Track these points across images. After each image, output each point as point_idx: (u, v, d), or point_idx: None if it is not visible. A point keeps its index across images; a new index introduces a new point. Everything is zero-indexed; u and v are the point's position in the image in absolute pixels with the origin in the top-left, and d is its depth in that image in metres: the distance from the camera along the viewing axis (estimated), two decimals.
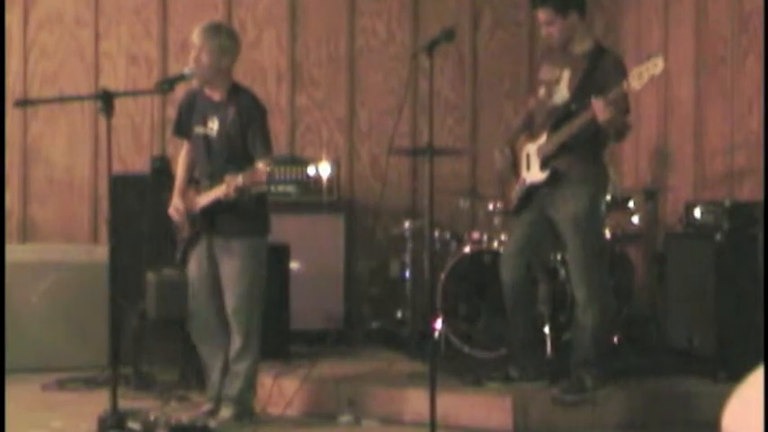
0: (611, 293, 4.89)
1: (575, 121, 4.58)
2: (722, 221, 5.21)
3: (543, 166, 4.75)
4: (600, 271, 4.78)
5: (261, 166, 4.48)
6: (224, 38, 4.78)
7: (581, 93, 4.63)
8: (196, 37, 4.75)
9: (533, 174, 4.82)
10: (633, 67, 4.36)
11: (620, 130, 4.71)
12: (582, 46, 4.77)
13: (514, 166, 4.95)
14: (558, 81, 4.77)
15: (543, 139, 4.76)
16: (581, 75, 4.68)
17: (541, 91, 4.85)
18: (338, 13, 7.20)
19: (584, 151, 4.72)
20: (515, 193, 4.95)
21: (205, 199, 4.75)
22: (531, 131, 4.93)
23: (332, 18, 7.19)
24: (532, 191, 4.85)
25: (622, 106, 4.55)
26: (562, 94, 4.74)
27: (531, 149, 4.84)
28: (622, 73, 4.64)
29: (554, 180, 4.74)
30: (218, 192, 4.62)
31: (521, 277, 4.89)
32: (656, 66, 4.25)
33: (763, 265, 4.99)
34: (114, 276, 4.74)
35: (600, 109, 4.37)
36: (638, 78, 4.28)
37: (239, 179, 4.47)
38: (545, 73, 4.86)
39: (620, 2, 7.43)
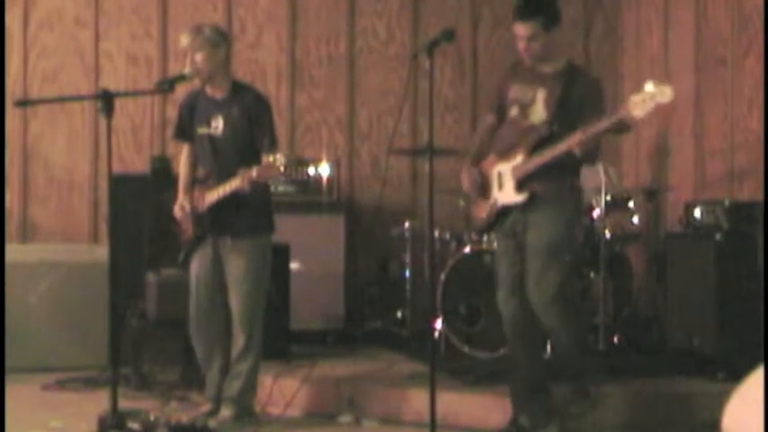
0: (579, 317, 4.65)
1: (558, 146, 4.35)
2: (722, 221, 5.21)
3: (519, 187, 4.50)
4: (567, 298, 4.50)
5: (275, 158, 4.47)
6: (209, 32, 4.80)
7: (561, 113, 4.44)
8: (183, 41, 4.78)
9: (507, 194, 4.56)
10: (633, 94, 4.08)
11: (592, 157, 4.57)
12: (555, 64, 4.55)
13: (483, 188, 4.68)
14: (533, 101, 4.54)
15: (519, 159, 4.50)
16: (558, 94, 4.47)
17: (513, 111, 4.61)
18: (338, 13, 7.20)
19: (561, 173, 4.48)
20: (486, 213, 4.68)
21: (215, 195, 4.74)
22: (499, 150, 4.65)
23: (332, 18, 7.20)
24: (504, 212, 4.61)
25: (621, 128, 4.41)
26: (540, 114, 4.52)
27: (504, 169, 4.56)
28: (599, 93, 4.49)
29: (530, 202, 4.50)
30: (231, 185, 4.62)
31: (518, 315, 4.59)
32: (664, 95, 4.01)
33: (763, 265, 4.99)
34: (114, 276, 4.74)
35: (576, 143, 4.23)
36: (640, 106, 4.05)
37: (253, 172, 4.50)
38: (515, 92, 4.62)
39: (620, 2, 7.43)
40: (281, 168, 4.44)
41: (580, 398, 4.60)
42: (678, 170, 6.56)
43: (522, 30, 4.47)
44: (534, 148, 4.44)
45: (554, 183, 4.47)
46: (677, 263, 5.49)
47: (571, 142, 4.27)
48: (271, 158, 4.48)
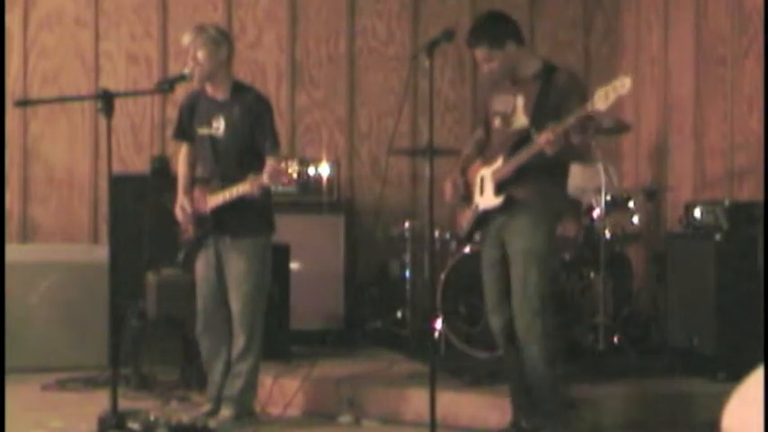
0: (554, 334, 4.48)
1: (531, 146, 4.32)
2: (722, 221, 5.21)
3: (498, 190, 4.48)
4: (545, 311, 4.42)
5: (287, 164, 4.46)
6: (212, 31, 4.81)
7: (539, 115, 4.41)
8: (186, 40, 4.78)
9: (487, 199, 4.54)
10: (598, 87, 4.08)
11: (576, 156, 4.56)
12: (529, 69, 4.53)
13: (467, 196, 4.68)
14: (513, 110, 4.53)
15: (499, 162, 4.49)
16: (535, 97, 4.46)
17: (496, 121, 4.61)
18: (338, 13, 7.20)
19: (541, 176, 4.43)
20: (468, 219, 4.68)
21: (220, 198, 4.74)
22: (485, 158, 4.65)
23: (332, 18, 7.20)
24: (486, 217, 4.59)
25: (588, 126, 4.37)
26: (521, 121, 4.50)
27: (486, 173, 4.57)
28: (577, 88, 4.45)
29: (509, 206, 4.47)
30: (238, 189, 4.62)
31: (506, 322, 4.56)
32: (624, 86, 4.01)
33: (763, 265, 4.99)
34: (114, 276, 4.74)
35: (544, 142, 4.19)
36: (603, 99, 4.02)
37: (264, 178, 4.49)
38: (498, 104, 4.62)
39: (620, 2, 7.43)
40: (294, 175, 4.44)
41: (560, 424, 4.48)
42: (678, 170, 6.56)
43: (475, 54, 4.55)
44: (513, 151, 4.42)
45: (534, 186, 4.44)
46: (677, 263, 5.49)
47: (540, 141, 4.23)
48: (283, 164, 4.48)
